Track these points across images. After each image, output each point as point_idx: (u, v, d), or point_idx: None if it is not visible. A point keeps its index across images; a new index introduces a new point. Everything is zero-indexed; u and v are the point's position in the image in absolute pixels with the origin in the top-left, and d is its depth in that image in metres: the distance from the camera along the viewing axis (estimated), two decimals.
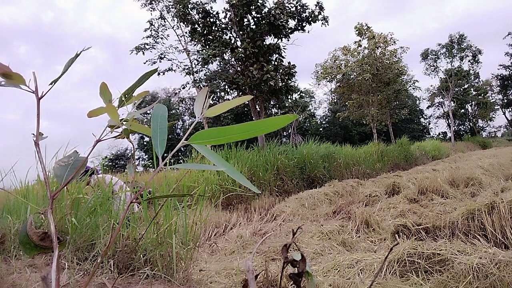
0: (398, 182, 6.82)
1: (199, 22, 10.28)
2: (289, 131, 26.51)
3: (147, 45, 13.42)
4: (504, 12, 68.45)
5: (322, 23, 10.80)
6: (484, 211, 3.09)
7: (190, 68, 12.54)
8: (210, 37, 10.30)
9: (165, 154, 0.64)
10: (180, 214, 2.40)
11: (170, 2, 13.35)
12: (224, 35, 10.47)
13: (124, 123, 0.71)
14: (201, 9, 10.04)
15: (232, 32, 10.51)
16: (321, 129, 32.43)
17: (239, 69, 10.29)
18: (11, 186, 2.94)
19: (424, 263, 2.41)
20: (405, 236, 3.35)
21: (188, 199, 2.76)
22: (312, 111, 34.65)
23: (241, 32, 10.29)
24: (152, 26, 14.11)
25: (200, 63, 10.74)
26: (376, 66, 15.98)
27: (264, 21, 9.93)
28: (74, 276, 1.84)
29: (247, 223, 5.17)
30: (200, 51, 11.07)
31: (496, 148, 23.70)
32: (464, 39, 27.85)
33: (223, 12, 10.28)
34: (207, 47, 10.20)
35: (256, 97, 10.30)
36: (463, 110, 36.72)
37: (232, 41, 10.37)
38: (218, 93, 13.06)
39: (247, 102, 14.37)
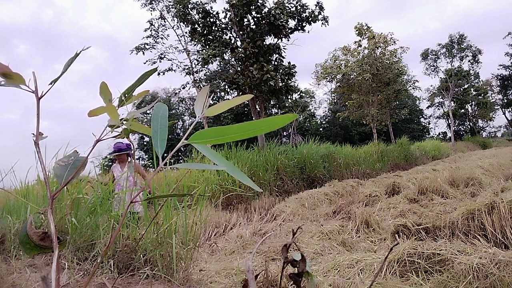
0: (398, 182, 6.82)
1: (199, 22, 10.27)
2: (289, 131, 26.51)
3: (147, 45, 13.43)
4: (504, 12, 68.52)
5: (322, 23, 10.79)
6: (484, 211, 3.09)
7: (190, 68, 12.54)
8: (210, 37, 10.29)
9: (165, 154, 0.63)
10: (180, 214, 2.40)
11: (170, 2, 13.35)
12: (224, 35, 10.46)
13: (124, 122, 0.71)
14: (201, 9, 10.03)
15: (232, 32, 10.51)
16: (321, 129, 32.41)
17: (239, 69, 10.29)
18: (11, 186, 2.94)
19: (424, 263, 2.41)
20: (405, 236, 3.35)
21: (188, 199, 2.76)
22: (312, 111, 34.63)
23: (241, 32, 10.28)
24: (152, 26, 14.13)
25: (200, 63, 10.73)
26: (376, 66, 15.98)
27: (264, 21, 9.93)
28: (74, 276, 1.84)
29: (247, 223, 5.17)
30: (200, 51, 11.06)
31: (496, 148, 23.68)
32: (464, 39, 27.82)
33: (223, 12, 10.28)
34: (207, 47, 10.19)
35: (256, 97, 10.29)
36: (463, 110, 36.68)
37: (232, 41, 10.36)
38: (218, 93, 13.06)
39: (247, 102, 14.38)
